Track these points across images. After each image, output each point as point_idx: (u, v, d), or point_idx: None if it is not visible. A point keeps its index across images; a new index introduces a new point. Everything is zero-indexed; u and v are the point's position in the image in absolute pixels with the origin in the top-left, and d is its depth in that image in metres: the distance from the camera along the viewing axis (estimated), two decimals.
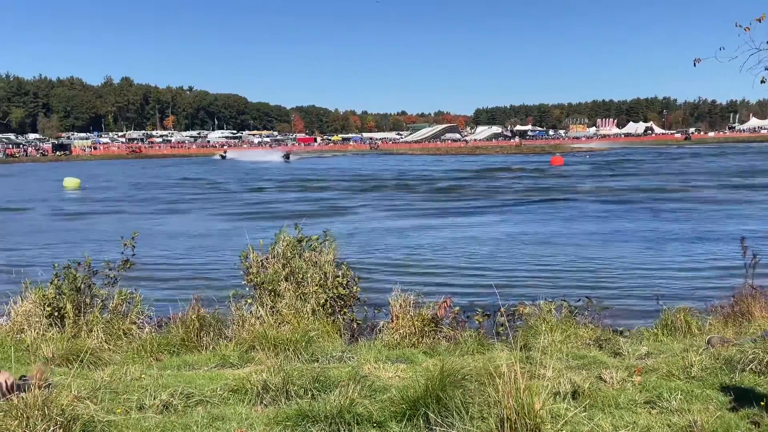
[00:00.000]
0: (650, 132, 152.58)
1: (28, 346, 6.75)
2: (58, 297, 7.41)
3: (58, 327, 7.26)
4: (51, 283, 7.57)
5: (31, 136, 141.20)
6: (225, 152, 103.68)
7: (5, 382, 4.66)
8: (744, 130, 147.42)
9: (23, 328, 7.23)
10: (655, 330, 7.36)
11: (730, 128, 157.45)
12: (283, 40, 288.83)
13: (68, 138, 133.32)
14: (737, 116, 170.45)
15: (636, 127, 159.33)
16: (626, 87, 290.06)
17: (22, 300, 7.52)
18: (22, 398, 3.62)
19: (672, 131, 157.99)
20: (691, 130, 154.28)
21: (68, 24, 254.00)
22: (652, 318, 8.28)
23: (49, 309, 7.32)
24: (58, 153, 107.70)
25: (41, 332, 7.13)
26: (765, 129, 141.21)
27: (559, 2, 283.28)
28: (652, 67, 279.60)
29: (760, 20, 6.18)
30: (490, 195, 35.83)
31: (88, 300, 7.52)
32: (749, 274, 8.46)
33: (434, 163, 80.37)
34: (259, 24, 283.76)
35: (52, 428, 3.53)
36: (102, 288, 7.69)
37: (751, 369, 5.11)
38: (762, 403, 4.33)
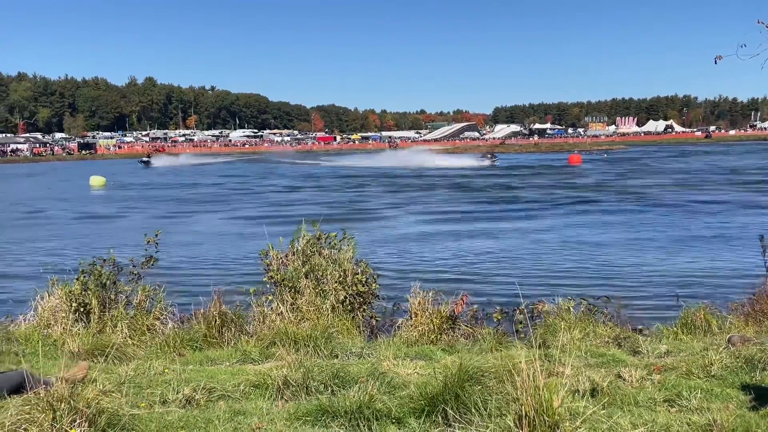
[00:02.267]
0: (670, 130, 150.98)
1: (54, 341, 6.84)
2: (83, 293, 7.50)
3: (84, 322, 7.35)
4: (77, 279, 7.66)
5: (58, 135, 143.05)
6: (149, 156, 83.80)
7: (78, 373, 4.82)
8: (766, 128, 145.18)
9: (50, 323, 7.32)
10: (675, 328, 7.29)
11: (751, 126, 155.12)
12: (304, 40, 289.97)
13: (93, 137, 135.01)
14: (759, 114, 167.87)
15: (656, 126, 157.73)
16: (646, 85, 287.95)
17: (48, 296, 7.62)
18: (49, 392, 3.67)
19: (692, 129, 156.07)
20: (712, 128, 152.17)
21: (93, 25, 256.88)
22: (671, 316, 8.20)
23: (75, 305, 7.41)
24: (83, 152, 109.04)
25: (67, 327, 7.22)
26: None
27: (578, 0, 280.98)
28: (672, 64, 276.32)
29: None
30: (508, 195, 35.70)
31: (113, 296, 7.61)
32: None
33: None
34: (281, 24, 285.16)
35: (78, 421, 3.57)
36: (126, 284, 7.78)
37: None
38: None
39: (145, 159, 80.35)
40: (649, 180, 41.92)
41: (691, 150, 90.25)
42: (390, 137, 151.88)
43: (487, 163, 68.29)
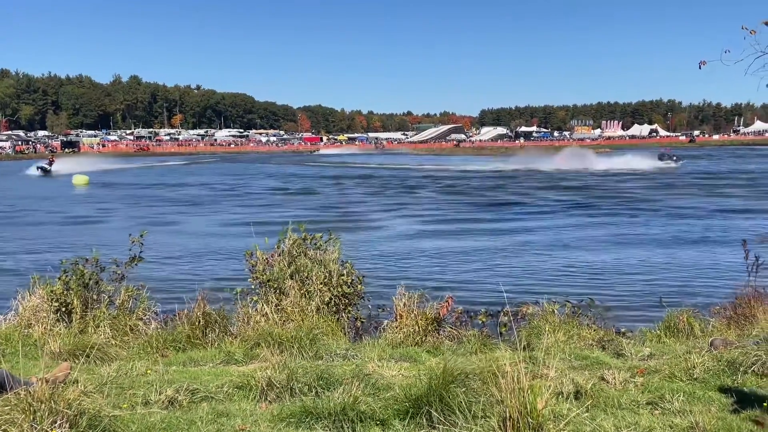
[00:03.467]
0: (655, 134, 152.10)
1: (35, 341, 6.76)
2: (65, 292, 7.42)
3: (65, 322, 7.28)
4: (59, 278, 7.57)
5: (40, 133, 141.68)
6: (51, 162, 61.13)
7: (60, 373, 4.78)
8: (748, 133, 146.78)
9: (31, 323, 7.24)
10: (658, 331, 7.35)
11: (734, 131, 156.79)
12: (291, 40, 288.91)
13: (77, 135, 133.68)
14: (742, 119, 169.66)
15: (641, 130, 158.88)
16: (631, 89, 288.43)
17: (29, 295, 7.54)
18: (29, 392, 3.63)
19: (676, 134, 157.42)
20: (696, 132, 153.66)
21: (77, 22, 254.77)
22: (655, 320, 8.27)
23: (56, 304, 7.34)
24: (66, 150, 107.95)
25: (48, 327, 7.14)
26: None
27: (564, 4, 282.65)
28: (657, 69, 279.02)
29: (767, 23, 6.16)
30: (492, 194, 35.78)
31: (95, 296, 7.54)
32: (751, 277, 8.45)
33: (438, 162, 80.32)
34: (267, 24, 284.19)
35: (58, 422, 3.54)
36: (109, 284, 7.71)
37: (754, 371, 5.10)
38: (765, 405, 4.32)
39: (44, 165, 59.12)
40: (635, 183, 42.24)
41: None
42: (377, 138, 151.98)
43: (671, 164, 54.63)
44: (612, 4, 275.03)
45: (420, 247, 18.45)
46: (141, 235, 8.04)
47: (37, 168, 58.97)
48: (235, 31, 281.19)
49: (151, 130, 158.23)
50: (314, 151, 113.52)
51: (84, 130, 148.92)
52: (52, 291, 7.44)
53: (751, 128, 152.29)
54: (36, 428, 3.49)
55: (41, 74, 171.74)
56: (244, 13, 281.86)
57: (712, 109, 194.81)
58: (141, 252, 8.02)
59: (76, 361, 5.56)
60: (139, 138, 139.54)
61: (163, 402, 4.65)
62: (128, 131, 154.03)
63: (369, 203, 32.21)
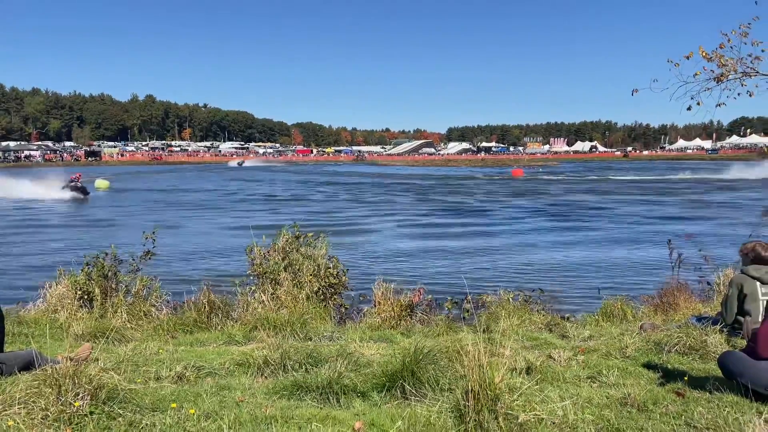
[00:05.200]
0: (595, 150, 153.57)
1: (61, 324, 6.67)
2: (87, 282, 7.35)
3: (88, 308, 7.20)
4: (82, 270, 7.50)
5: (67, 143, 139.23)
6: (76, 181, 36.48)
7: (82, 353, 4.72)
8: (673, 150, 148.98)
9: (57, 309, 7.15)
10: (597, 317, 7.43)
11: (661, 148, 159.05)
12: (287, 65, 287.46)
13: (99, 146, 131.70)
14: (667, 138, 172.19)
15: (583, 146, 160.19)
16: (575, 111, 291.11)
17: (56, 285, 7.44)
18: (56, 369, 3.58)
19: (613, 149, 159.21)
20: (629, 148, 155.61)
21: (100, 46, 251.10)
22: (594, 307, 8.35)
23: (79, 293, 7.26)
24: (89, 159, 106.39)
25: (73, 312, 7.06)
26: (690, 149, 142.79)
27: (519, 37, 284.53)
28: (596, 94, 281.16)
29: (688, 57, 6.27)
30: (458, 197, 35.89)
31: (113, 285, 7.46)
32: (675, 270, 8.58)
33: (412, 170, 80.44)
34: (266, 50, 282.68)
35: (81, 395, 3.49)
36: (126, 275, 7.63)
37: (677, 350, 5.17)
38: (685, 378, 4.39)
39: (75, 185, 36.31)
40: (584, 192, 42.63)
41: (615, 167, 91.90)
42: (359, 151, 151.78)
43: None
44: (559, 37, 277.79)
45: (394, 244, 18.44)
46: (153, 232, 7.96)
47: (70, 188, 35.75)
48: (238, 56, 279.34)
49: (163, 142, 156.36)
50: (242, 162, 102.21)
51: (105, 142, 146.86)
52: (75, 281, 7.36)
53: (675, 145, 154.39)
54: (61, 400, 3.44)
55: (68, 92, 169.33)
56: (247, 41, 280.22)
57: (642, 129, 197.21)
58: (154, 247, 7.94)
59: (97, 342, 5.49)
60: (153, 149, 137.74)
61: (172, 377, 4.60)
62: (144, 143, 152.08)
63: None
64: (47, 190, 35.52)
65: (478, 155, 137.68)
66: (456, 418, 3.56)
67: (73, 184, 36.10)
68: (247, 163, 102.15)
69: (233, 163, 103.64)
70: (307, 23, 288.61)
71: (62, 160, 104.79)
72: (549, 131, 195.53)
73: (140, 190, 45.05)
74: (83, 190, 35.82)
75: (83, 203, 34.07)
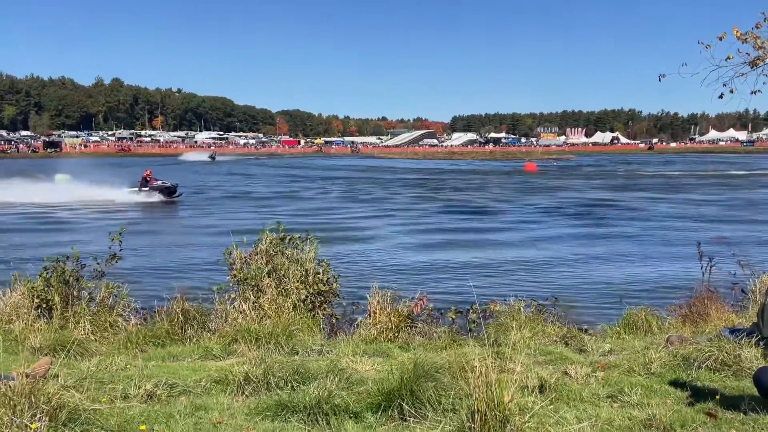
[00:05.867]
0: (616, 142, 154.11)
1: (16, 336, 6.64)
2: (46, 289, 7.30)
3: (46, 318, 7.16)
4: (40, 275, 7.46)
5: (23, 133, 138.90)
6: None
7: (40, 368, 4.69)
8: (703, 141, 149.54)
9: (12, 319, 7.12)
10: (618, 328, 7.43)
11: (690, 139, 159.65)
12: (271, 45, 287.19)
13: (59, 136, 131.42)
14: (697, 128, 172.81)
15: (603, 137, 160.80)
16: (594, 98, 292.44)
17: (10, 292, 7.41)
18: (10, 386, 3.56)
19: (636, 141, 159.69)
20: (654, 140, 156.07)
21: (61, 24, 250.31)
22: (615, 317, 8.37)
23: (37, 301, 7.22)
24: (49, 150, 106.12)
25: (29, 323, 7.02)
26: (722, 141, 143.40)
27: (533, 16, 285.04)
28: (619, 79, 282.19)
29: (720, 38, 6.28)
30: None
31: (75, 292, 7.43)
32: (706, 277, 8.60)
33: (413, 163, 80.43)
34: (248, 29, 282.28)
35: (38, 416, 3.47)
36: (90, 281, 7.60)
37: (707, 366, 5.18)
38: (717, 398, 4.40)
39: None
40: (602, 187, 42.71)
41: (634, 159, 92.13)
42: (352, 142, 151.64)
43: None
44: (577, 17, 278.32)
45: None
46: (120, 233, 7.93)
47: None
48: (216, 35, 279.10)
49: (132, 131, 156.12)
50: (213, 156, 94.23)
51: (66, 131, 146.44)
52: (32, 288, 7.32)
53: (705, 137, 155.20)
54: (16, 422, 3.42)
55: (24, 76, 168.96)
56: (225, 18, 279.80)
57: (669, 118, 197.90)
58: (121, 250, 7.92)
59: (57, 356, 5.47)
60: (120, 139, 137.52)
61: (142, 396, 4.59)
62: (110, 132, 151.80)
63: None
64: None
65: (486, 147, 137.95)
66: None
67: (159, 183, 32.11)
68: (221, 157, 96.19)
69: (192, 156, 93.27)
70: None
71: (18, 151, 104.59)
72: (565, 120, 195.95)
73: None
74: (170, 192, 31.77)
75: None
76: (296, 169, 71.90)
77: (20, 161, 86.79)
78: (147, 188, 31.62)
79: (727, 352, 5.21)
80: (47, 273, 7.45)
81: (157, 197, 31.16)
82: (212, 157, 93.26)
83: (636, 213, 27.30)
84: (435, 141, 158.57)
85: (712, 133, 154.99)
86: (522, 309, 7.55)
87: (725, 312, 7.74)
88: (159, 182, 32.20)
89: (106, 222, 22.82)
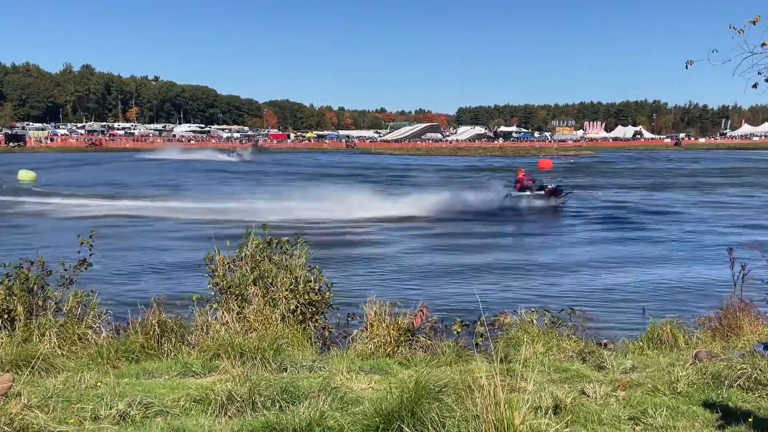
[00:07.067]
0: (639, 137, 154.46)
1: None
2: (7, 298, 7.27)
3: (8, 330, 7.13)
4: (1, 283, 7.43)
5: None
6: None
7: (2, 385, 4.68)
8: (735, 137, 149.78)
9: None
10: (641, 343, 7.44)
11: (721, 134, 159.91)
12: (257, 30, 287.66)
13: (23, 128, 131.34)
14: (729, 122, 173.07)
15: (624, 131, 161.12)
16: (615, 89, 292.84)
17: None
18: None
19: (662, 136, 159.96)
20: (682, 135, 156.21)
21: (25, 6, 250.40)
22: (637, 330, 8.37)
23: None
24: (11, 144, 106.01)
25: None
26: (757, 136, 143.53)
27: (546, 1, 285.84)
28: (642, 69, 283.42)
29: (754, 22, 6.28)
30: None
31: (41, 302, 7.41)
32: (737, 287, 8.59)
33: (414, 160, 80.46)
34: (231, 13, 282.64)
35: None
36: (56, 289, 7.57)
37: (739, 385, 5.19)
38: (750, 420, 4.40)
39: None
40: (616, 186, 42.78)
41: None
42: (348, 136, 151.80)
43: None
44: (595, 1, 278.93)
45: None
46: (90, 236, 7.91)
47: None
48: (197, 19, 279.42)
49: (104, 123, 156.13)
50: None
51: (31, 123, 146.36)
52: None
53: (738, 131, 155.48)
54: None
55: None
56: (207, 2, 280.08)
57: (698, 111, 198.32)
58: (91, 255, 7.90)
59: (19, 373, 5.46)
60: (91, 132, 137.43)
61: (114, 417, 4.58)
62: (79, 124, 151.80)
63: None
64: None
65: (495, 142, 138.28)
66: None
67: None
68: (197, 154, 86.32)
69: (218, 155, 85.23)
70: None
71: None
72: (583, 113, 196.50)
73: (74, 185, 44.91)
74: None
75: None
76: (284, 166, 71.68)
77: None
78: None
79: (761, 370, 5.22)
80: (9, 280, 7.42)
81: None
82: (240, 155, 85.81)
83: (662, 216, 27.34)
84: (439, 135, 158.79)
85: (745, 128, 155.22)
86: (534, 321, 7.55)
87: (759, 325, 7.74)
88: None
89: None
